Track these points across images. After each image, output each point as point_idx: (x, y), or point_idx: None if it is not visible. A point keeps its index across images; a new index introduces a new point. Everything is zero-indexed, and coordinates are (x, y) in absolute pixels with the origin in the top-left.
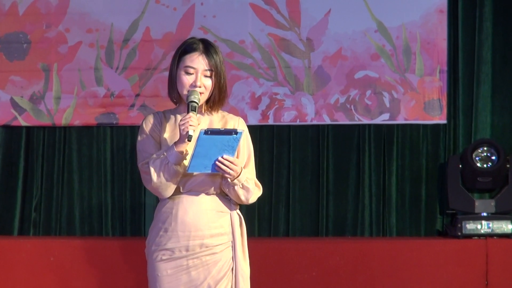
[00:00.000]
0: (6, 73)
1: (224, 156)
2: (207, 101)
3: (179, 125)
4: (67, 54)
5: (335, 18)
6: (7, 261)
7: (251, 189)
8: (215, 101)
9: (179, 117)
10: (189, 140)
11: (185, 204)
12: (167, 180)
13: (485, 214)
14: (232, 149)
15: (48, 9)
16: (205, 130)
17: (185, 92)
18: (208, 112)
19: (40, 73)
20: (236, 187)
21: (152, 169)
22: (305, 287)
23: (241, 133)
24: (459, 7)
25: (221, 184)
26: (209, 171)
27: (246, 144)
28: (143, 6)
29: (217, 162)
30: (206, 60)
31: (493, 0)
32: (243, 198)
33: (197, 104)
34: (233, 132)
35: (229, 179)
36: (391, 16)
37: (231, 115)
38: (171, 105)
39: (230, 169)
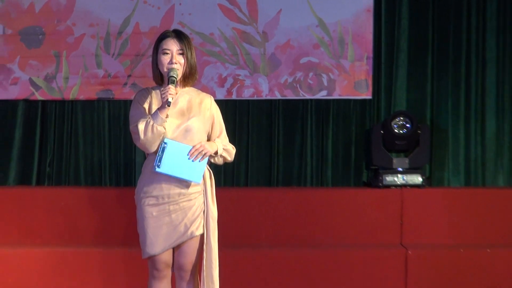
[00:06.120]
0: (26, 58)
1: (192, 150)
2: (183, 77)
3: (160, 94)
4: (73, 44)
5: (285, 15)
6: (27, 206)
7: (230, 149)
8: (187, 75)
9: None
10: (168, 106)
11: None
12: (152, 137)
13: (400, 169)
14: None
15: (58, 8)
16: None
17: (165, 70)
18: (184, 86)
19: (52, 58)
20: (223, 154)
21: (140, 129)
22: (260, 227)
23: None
24: (382, 7)
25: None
26: (181, 176)
27: (217, 118)
28: (133, 5)
29: (190, 154)
30: (178, 43)
31: (408, 2)
32: (229, 158)
33: (175, 78)
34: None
35: (213, 154)
36: (329, 14)
37: (204, 93)
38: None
39: (203, 150)
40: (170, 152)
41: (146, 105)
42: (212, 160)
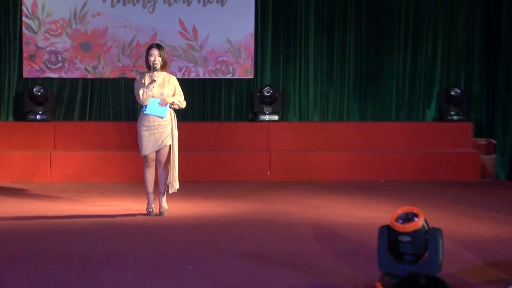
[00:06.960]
0: (83, 57)
1: (160, 101)
2: (160, 67)
3: (150, 75)
4: (107, 50)
5: (211, 37)
6: (83, 131)
7: (182, 102)
8: (163, 66)
9: (150, 74)
10: (154, 81)
11: None
12: (145, 97)
13: (267, 112)
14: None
15: (99, 32)
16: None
17: (151, 63)
18: (161, 71)
19: (96, 57)
20: (178, 104)
21: (140, 93)
22: (199, 140)
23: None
24: (258, 33)
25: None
26: (158, 115)
27: (177, 85)
28: (136, 31)
29: (159, 103)
30: (158, 50)
31: (271, 29)
32: (181, 106)
33: (157, 67)
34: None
35: (171, 103)
36: (232, 36)
37: (171, 75)
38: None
39: (165, 101)
40: (150, 103)
41: (142, 81)
42: (172, 107)
